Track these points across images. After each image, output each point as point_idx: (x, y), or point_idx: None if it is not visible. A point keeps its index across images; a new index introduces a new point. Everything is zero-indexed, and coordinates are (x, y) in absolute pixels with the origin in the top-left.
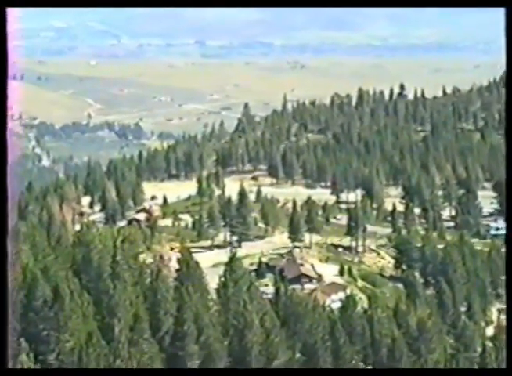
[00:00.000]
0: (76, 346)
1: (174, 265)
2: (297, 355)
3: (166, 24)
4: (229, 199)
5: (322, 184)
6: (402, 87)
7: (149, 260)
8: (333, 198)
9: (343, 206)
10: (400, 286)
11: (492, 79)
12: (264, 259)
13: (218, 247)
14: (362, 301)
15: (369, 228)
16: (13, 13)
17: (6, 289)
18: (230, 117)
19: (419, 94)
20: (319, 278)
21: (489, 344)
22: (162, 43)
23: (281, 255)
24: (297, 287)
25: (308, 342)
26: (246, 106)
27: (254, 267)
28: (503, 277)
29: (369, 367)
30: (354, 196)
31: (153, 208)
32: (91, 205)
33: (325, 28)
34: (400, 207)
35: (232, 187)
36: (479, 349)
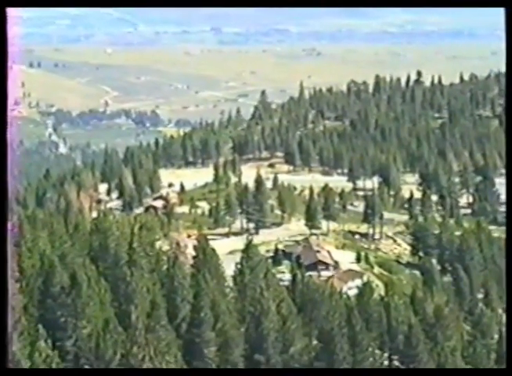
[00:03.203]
0: (93, 333)
1: (190, 252)
2: (314, 342)
3: (182, 11)
4: (246, 186)
5: (339, 171)
6: (418, 74)
7: (166, 247)
8: (350, 185)
9: (360, 193)
10: (417, 273)
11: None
12: (280, 246)
13: (235, 234)
14: (379, 289)
15: (386, 215)
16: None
17: (6, 290)
18: (247, 104)
19: (436, 81)
20: (336, 265)
21: None
22: (178, 30)
23: (297, 242)
24: (314, 274)
25: (324, 329)
26: (263, 93)
27: (271, 254)
28: None
29: (386, 354)
30: (371, 183)
31: (170, 195)
32: (108, 192)
33: (340, 15)
34: (417, 195)
35: (248, 174)
36: (496, 336)
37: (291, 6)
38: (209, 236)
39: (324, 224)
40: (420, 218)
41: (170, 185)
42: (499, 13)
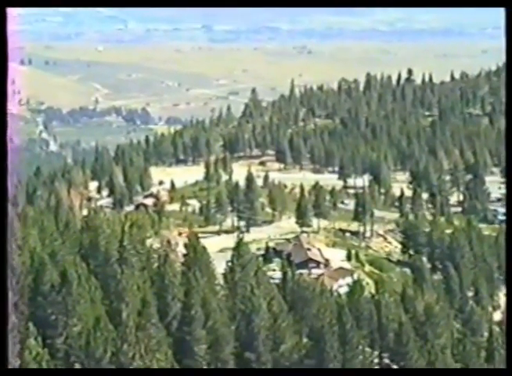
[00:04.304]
0: (83, 330)
1: (181, 250)
2: (304, 339)
3: (173, 9)
4: (237, 184)
5: (330, 169)
6: (409, 72)
7: (157, 245)
8: (341, 183)
9: (350, 191)
10: (407, 271)
11: (501, 64)
12: (271, 244)
13: (226, 232)
14: (370, 286)
15: (377, 213)
16: None
17: (6, 290)
18: (237, 101)
19: (426, 79)
20: (327, 263)
21: (496, 328)
22: (169, 28)
23: (288, 240)
24: (305, 271)
25: (315, 327)
26: (253, 91)
27: (262, 252)
28: None
29: (376, 352)
30: (361, 181)
31: (161, 193)
32: (98, 190)
33: (331, 13)
34: (408, 193)
35: (239, 172)
36: (486, 334)
37: (285, 6)
38: (200, 234)
39: (315, 222)
40: (411, 217)
41: (160, 183)
42: (489, 12)
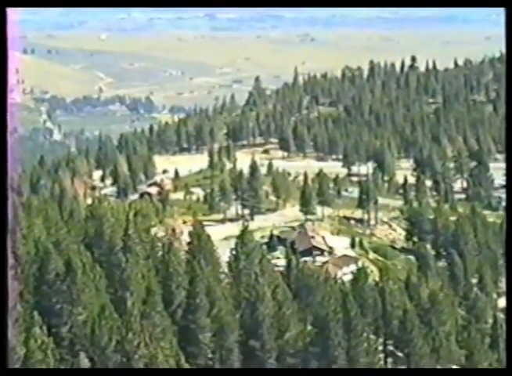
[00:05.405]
0: (89, 319)
1: (185, 238)
2: (309, 327)
3: None
4: (241, 172)
5: (334, 157)
6: (413, 59)
7: (161, 233)
8: (345, 171)
9: (354, 179)
10: (412, 258)
11: (504, 50)
12: (275, 232)
13: (230, 220)
14: (374, 274)
15: (381, 200)
16: None
17: (6, 290)
18: (241, 90)
19: (430, 66)
20: (331, 250)
21: (501, 315)
22: (172, 16)
23: (292, 228)
24: (309, 259)
25: (319, 315)
26: (257, 79)
27: (266, 240)
28: None
29: (380, 340)
30: (365, 168)
31: (165, 182)
32: (102, 179)
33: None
34: (411, 180)
35: (243, 160)
36: (490, 321)
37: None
38: (204, 223)
39: (319, 210)
40: (415, 204)
41: (164, 171)
42: None
